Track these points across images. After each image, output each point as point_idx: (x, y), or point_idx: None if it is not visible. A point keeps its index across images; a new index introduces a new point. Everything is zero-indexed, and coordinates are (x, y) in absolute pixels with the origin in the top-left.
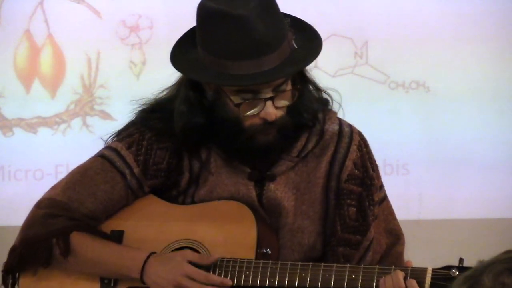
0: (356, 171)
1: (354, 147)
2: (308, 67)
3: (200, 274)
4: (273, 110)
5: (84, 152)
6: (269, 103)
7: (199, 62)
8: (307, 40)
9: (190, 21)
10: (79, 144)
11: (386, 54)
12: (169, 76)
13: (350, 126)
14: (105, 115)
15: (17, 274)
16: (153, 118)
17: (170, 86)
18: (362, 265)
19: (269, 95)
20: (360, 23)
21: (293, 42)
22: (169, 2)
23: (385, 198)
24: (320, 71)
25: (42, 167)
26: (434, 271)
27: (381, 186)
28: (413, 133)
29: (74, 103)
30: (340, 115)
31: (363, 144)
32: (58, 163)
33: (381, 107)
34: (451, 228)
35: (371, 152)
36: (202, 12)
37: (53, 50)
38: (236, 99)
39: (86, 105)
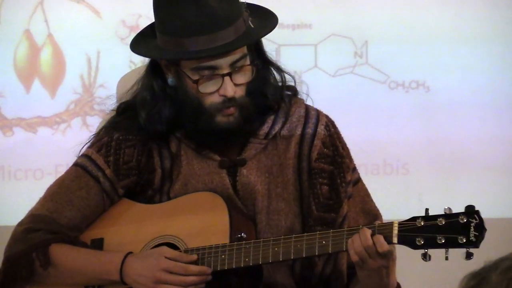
0: (325, 149)
1: (321, 127)
2: (305, 67)
3: (178, 266)
4: (231, 86)
5: None
6: (227, 78)
7: (158, 46)
8: (263, 20)
9: None
10: (79, 144)
11: (386, 54)
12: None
13: (317, 110)
14: (105, 115)
15: None
16: (120, 119)
17: (137, 81)
18: (331, 230)
19: (227, 70)
20: (360, 23)
21: (250, 22)
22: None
23: (359, 179)
24: (320, 71)
25: (42, 167)
26: (400, 223)
27: (354, 168)
28: (413, 133)
29: (74, 102)
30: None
31: (331, 125)
32: (58, 163)
33: (381, 107)
34: None
35: (340, 134)
36: None
37: (53, 50)
38: (194, 76)
39: (86, 104)
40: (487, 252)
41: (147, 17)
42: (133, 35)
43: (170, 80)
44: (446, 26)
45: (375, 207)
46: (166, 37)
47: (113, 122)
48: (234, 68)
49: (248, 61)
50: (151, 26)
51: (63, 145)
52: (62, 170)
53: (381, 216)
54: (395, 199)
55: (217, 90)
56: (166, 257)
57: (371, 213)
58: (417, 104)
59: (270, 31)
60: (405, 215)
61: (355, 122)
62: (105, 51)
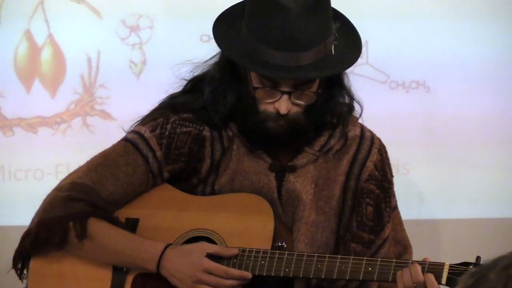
0: (377, 172)
1: (375, 150)
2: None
3: (220, 269)
4: (286, 104)
5: (85, 152)
6: (285, 96)
7: (240, 37)
8: (347, 50)
9: (190, 21)
10: (79, 144)
11: (386, 54)
12: (170, 76)
13: (371, 132)
14: (106, 115)
15: (28, 259)
16: (181, 102)
17: (210, 59)
18: (379, 258)
19: (288, 89)
20: (360, 23)
21: (332, 47)
22: (169, 2)
23: (396, 207)
24: None
25: (42, 167)
26: (451, 266)
27: (394, 195)
28: (413, 133)
29: (74, 103)
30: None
31: (383, 150)
32: (58, 163)
33: (381, 107)
34: (451, 228)
35: (389, 159)
36: None
37: (53, 50)
38: (256, 83)
39: (87, 105)
40: (487, 253)
41: (147, 17)
42: (133, 35)
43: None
44: (447, 26)
45: (406, 237)
46: (249, 33)
47: (172, 104)
48: (296, 90)
49: (315, 87)
50: (241, 7)
51: (64, 145)
52: (62, 170)
53: (411, 247)
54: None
55: (273, 102)
56: (207, 252)
57: (401, 243)
58: (417, 104)
59: (346, 68)
60: (405, 215)
61: None
62: (105, 51)
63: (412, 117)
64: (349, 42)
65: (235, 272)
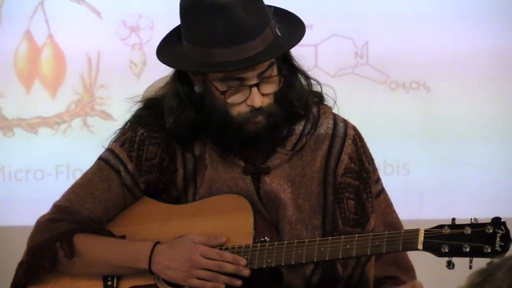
0: (352, 164)
1: (349, 141)
2: (306, 67)
3: (214, 252)
4: (259, 97)
5: (85, 152)
6: (254, 89)
7: (185, 54)
8: (291, 27)
9: None
10: (79, 145)
11: (387, 54)
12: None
13: (345, 121)
14: (106, 115)
15: None
16: (145, 115)
17: (165, 84)
18: (356, 235)
19: (254, 81)
20: (360, 23)
21: (277, 30)
22: (170, 2)
23: (382, 191)
24: (320, 71)
25: (43, 167)
26: (426, 230)
27: (378, 180)
28: (413, 133)
29: (74, 103)
30: (335, 111)
31: (358, 138)
32: (58, 163)
33: (381, 107)
34: None
35: (366, 146)
36: (185, 2)
37: (53, 50)
38: (222, 87)
39: (87, 105)
40: None
41: (147, 17)
42: (133, 35)
43: (197, 88)
44: (447, 26)
45: (397, 218)
46: (193, 46)
47: (139, 116)
48: (262, 79)
49: (275, 71)
50: (176, 31)
51: (64, 146)
52: (62, 171)
53: (402, 228)
54: (395, 199)
55: (245, 100)
56: (196, 242)
57: (392, 226)
58: (417, 105)
59: (299, 41)
60: (405, 215)
61: (355, 122)
62: (105, 51)
63: (412, 117)
64: (287, 22)
65: (229, 255)
